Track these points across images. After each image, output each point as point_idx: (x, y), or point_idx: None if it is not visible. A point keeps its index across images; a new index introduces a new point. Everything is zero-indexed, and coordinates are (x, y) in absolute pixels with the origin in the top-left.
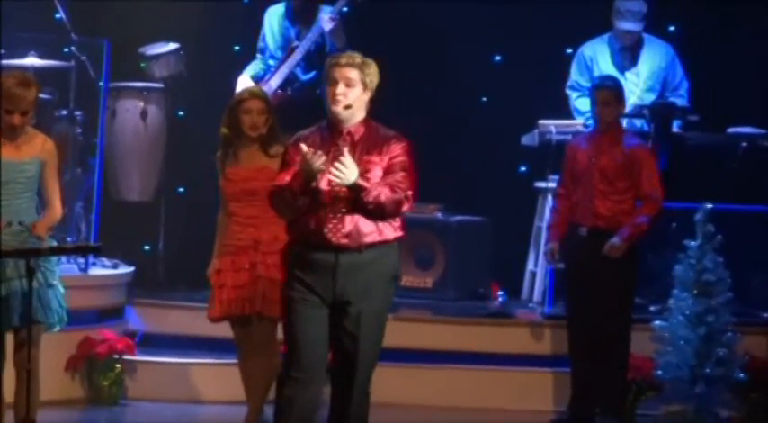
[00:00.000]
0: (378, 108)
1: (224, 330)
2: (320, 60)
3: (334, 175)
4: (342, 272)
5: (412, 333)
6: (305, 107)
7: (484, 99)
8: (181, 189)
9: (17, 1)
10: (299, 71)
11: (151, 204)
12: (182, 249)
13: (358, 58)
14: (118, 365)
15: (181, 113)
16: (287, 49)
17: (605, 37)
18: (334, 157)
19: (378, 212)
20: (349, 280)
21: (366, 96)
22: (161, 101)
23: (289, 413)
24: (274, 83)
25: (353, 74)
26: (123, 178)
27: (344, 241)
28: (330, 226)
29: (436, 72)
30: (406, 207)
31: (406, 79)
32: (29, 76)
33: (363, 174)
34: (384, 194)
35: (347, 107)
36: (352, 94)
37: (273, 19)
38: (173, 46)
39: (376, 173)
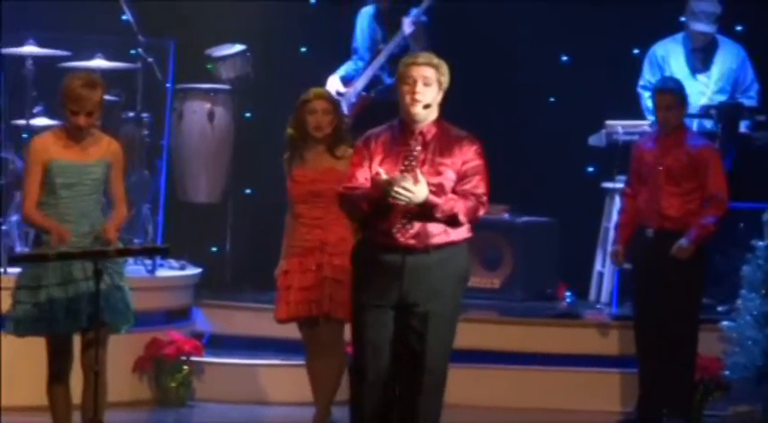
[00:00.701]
0: (445, 108)
1: (291, 331)
2: None
3: (402, 198)
4: (409, 273)
5: (479, 334)
6: (387, 110)
7: (551, 99)
8: (248, 190)
9: (84, 2)
10: (384, 74)
11: (218, 206)
12: (249, 251)
13: (434, 57)
14: (185, 367)
15: (248, 115)
16: (374, 50)
17: (678, 37)
18: (406, 156)
19: (453, 223)
20: (416, 281)
21: (440, 96)
22: (228, 102)
23: (363, 415)
24: (360, 84)
25: (430, 73)
26: (190, 180)
27: (412, 242)
28: (398, 226)
29: (504, 72)
30: (481, 212)
31: (474, 79)
32: (94, 76)
33: (435, 175)
34: (457, 207)
35: (426, 106)
36: (430, 94)
37: (364, 20)
38: (239, 47)
39: (448, 175)
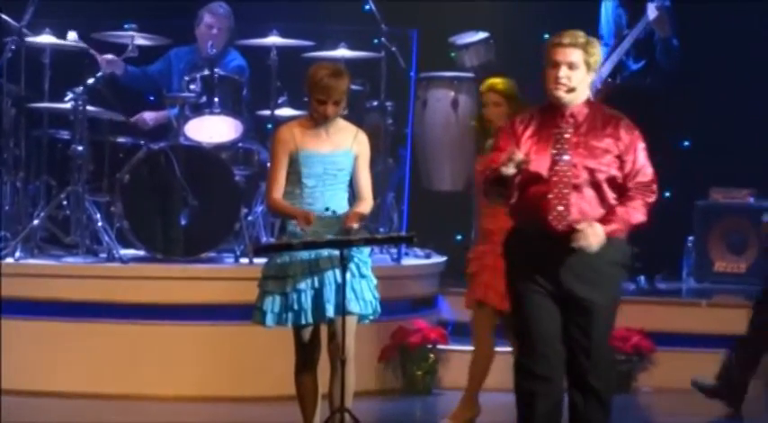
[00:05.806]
0: (691, 93)
1: None
2: (649, 49)
3: (585, 248)
4: (567, 262)
5: (726, 318)
6: (632, 96)
7: None
8: None
9: None
10: (629, 60)
11: (462, 194)
12: None
13: (581, 37)
14: (431, 355)
15: None
16: (617, 36)
17: None
18: (557, 139)
19: (635, 228)
20: (572, 270)
21: (590, 77)
22: (471, 90)
23: (534, 408)
24: (604, 71)
25: (576, 56)
26: (434, 168)
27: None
28: (555, 214)
29: (749, 56)
30: (652, 199)
31: (721, 64)
32: (340, 66)
33: (590, 158)
34: (631, 216)
35: (570, 90)
36: (576, 77)
37: (608, 6)
38: (483, 35)
39: (604, 159)
